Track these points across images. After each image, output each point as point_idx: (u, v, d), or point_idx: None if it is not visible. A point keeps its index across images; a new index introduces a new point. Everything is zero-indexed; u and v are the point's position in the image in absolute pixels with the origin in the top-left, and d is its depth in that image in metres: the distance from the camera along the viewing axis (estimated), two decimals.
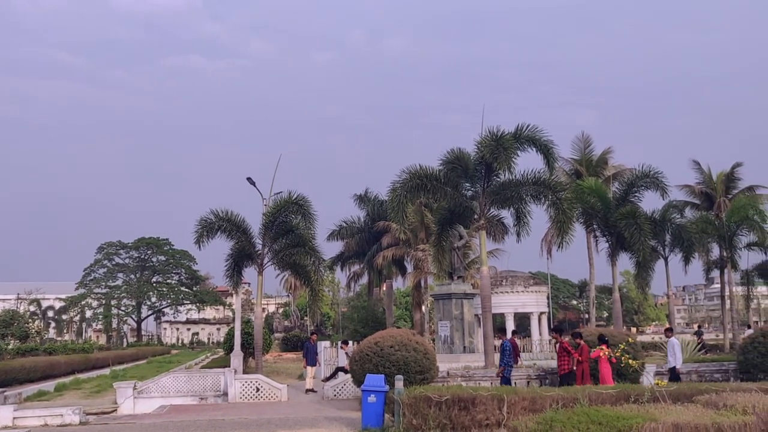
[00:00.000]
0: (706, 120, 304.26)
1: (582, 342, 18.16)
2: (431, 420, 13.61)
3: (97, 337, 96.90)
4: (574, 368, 17.77)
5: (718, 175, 41.68)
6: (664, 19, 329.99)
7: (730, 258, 35.21)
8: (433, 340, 31.13)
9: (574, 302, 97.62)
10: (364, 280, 49.09)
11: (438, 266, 28.83)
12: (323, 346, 29.68)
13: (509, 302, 39.89)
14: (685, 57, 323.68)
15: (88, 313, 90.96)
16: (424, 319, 43.36)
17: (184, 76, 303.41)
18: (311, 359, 25.05)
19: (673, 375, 19.05)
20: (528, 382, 19.31)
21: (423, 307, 43.55)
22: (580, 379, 17.44)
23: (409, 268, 43.21)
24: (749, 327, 36.80)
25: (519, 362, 23.06)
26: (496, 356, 26.68)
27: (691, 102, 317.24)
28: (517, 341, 23.59)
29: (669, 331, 20.90)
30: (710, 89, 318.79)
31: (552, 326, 23.13)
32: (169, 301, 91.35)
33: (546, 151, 24.04)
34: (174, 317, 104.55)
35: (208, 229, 27.05)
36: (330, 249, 49.73)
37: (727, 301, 37.29)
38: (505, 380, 18.33)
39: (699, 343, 29.66)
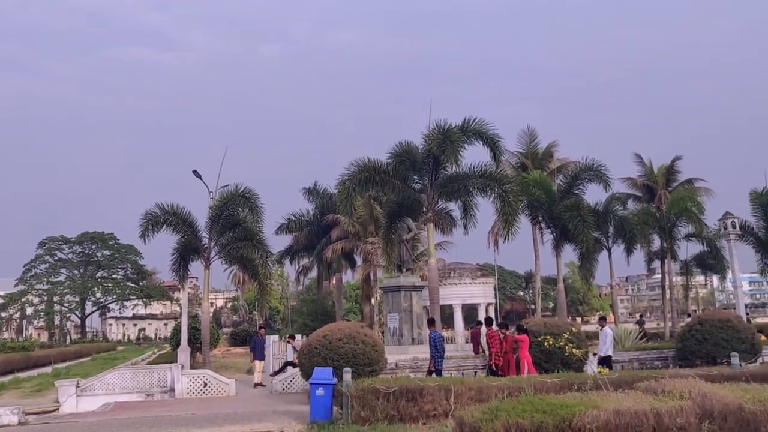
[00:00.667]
0: (652, 116, 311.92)
1: (507, 333, 18.50)
2: (379, 411, 13.68)
3: (39, 334, 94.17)
4: (491, 362, 18.06)
5: (659, 168, 42.71)
6: (612, 17, 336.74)
7: (670, 249, 36.09)
8: (383, 333, 31.23)
9: (521, 293, 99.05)
10: (314, 273, 48.88)
11: (387, 259, 28.90)
12: (272, 340, 29.48)
13: (457, 294, 40.30)
14: (633, 54, 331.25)
15: (29, 311, 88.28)
16: (374, 312, 43.42)
17: (128, 68, 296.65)
18: (259, 353, 24.87)
19: (607, 363, 19.35)
20: (475, 372, 19.53)
21: (372, 300, 43.58)
22: (506, 370, 17.75)
23: (359, 261, 43.20)
24: (688, 315, 37.93)
25: (480, 352, 23.29)
26: (446, 347, 26.97)
27: (637, 98, 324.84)
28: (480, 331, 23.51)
29: (602, 320, 21.23)
30: (657, 86, 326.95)
31: (483, 318, 23.32)
32: (114, 296, 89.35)
33: (492, 144, 24.33)
34: (120, 313, 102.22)
35: (153, 222, 26.57)
36: (278, 242, 49.54)
37: (668, 291, 38.30)
38: (437, 372, 18.11)
39: (641, 332, 30.44)
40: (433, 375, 17.86)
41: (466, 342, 28.45)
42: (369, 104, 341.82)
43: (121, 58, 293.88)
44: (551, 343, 18.97)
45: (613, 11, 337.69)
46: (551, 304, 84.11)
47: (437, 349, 18.29)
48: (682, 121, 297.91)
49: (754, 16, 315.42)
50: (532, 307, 70.85)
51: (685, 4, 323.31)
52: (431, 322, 19.90)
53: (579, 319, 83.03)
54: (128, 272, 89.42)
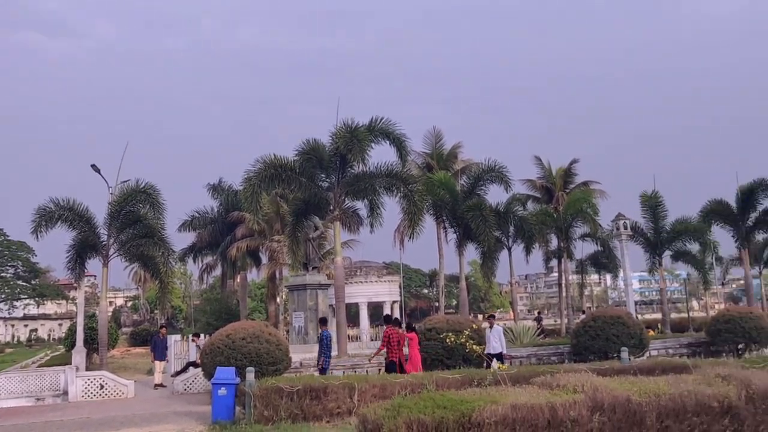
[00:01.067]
0: (552, 119, 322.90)
1: (399, 330, 18.96)
2: (283, 410, 13.62)
3: None
4: (391, 359, 18.40)
5: (557, 171, 44.27)
6: (517, 22, 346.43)
7: (567, 248, 37.40)
8: (288, 331, 31.04)
9: (425, 291, 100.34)
10: (218, 272, 47.91)
11: (293, 257, 28.73)
12: (173, 339, 28.77)
13: (363, 292, 40.49)
14: (539, 59, 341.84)
15: None
16: (279, 311, 43.08)
17: (21, 54, 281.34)
18: (160, 354, 24.26)
19: (500, 358, 19.87)
20: (379, 370, 19.72)
21: (278, 299, 43.23)
22: (399, 368, 18.19)
23: (264, 259, 42.73)
24: (583, 312, 39.54)
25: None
26: (351, 345, 27.13)
27: (541, 103, 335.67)
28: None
29: (491, 318, 21.76)
30: (558, 92, 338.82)
31: (384, 316, 23.66)
32: (3, 296, 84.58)
33: (399, 144, 24.57)
34: (9, 313, 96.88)
35: (47, 218, 25.39)
36: (182, 240, 48.20)
37: (564, 289, 39.73)
38: (323, 371, 18.27)
39: (538, 329, 31.47)
40: (326, 373, 18.07)
41: (371, 340, 28.70)
42: (277, 102, 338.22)
43: (13, 42, 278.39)
44: (453, 339, 19.35)
45: (520, 17, 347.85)
46: (454, 302, 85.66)
47: (328, 348, 18.56)
48: (581, 125, 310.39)
49: (655, 29, 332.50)
50: (436, 304, 72.10)
51: (592, 14, 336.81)
52: (323, 322, 20.11)
53: (480, 316, 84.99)
54: (19, 270, 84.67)
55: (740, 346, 24.01)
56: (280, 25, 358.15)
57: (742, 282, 51.28)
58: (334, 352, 22.81)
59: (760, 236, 40.22)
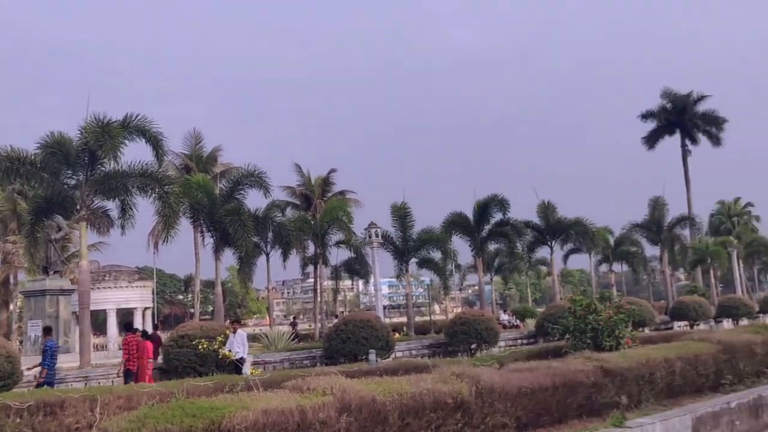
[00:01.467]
0: (315, 126, 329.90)
1: (140, 338, 18.64)
2: (9, 430, 12.41)
3: None
4: (129, 367, 18.08)
5: (316, 179, 45.49)
6: (274, 26, 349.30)
7: (323, 254, 38.39)
8: (22, 342, 28.48)
9: (181, 297, 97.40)
10: None
11: (31, 260, 26.40)
12: None
13: (112, 298, 38.21)
14: (298, 63, 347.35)
15: None
16: (13, 319, 39.36)
17: None
18: None
19: (240, 363, 19.91)
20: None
21: (11, 306, 39.54)
22: (141, 376, 17.81)
23: None
24: (336, 317, 40.91)
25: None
26: (96, 354, 25.53)
27: (301, 108, 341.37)
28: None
29: (236, 323, 21.81)
30: (318, 98, 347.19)
31: (124, 324, 22.82)
32: None
33: (156, 143, 23.68)
34: None
35: None
36: None
37: (319, 294, 40.78)
38: (47, 384, 17.03)
39: (293, 333, 31.99)
40: (53, 386, 16.87)
41: (119, 348, 27.18)
42: (18, 91, 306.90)
43: None
44: (206, 346, 19.11)
45: (287, 17, 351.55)
46: (211, 308, 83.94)
47: (52, 359, 17.49)
48: (339, 133, 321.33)
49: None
50: (192, 310, 70.13)
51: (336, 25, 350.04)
52: (47, 331, 18.80)
53: None
54: None
55: (473, 346, 26.40)
56: (32, 6, 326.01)
57: (476, 287, 56.20)
58: (72, 363, 21.34)
59: (492, 246, 44.64)
